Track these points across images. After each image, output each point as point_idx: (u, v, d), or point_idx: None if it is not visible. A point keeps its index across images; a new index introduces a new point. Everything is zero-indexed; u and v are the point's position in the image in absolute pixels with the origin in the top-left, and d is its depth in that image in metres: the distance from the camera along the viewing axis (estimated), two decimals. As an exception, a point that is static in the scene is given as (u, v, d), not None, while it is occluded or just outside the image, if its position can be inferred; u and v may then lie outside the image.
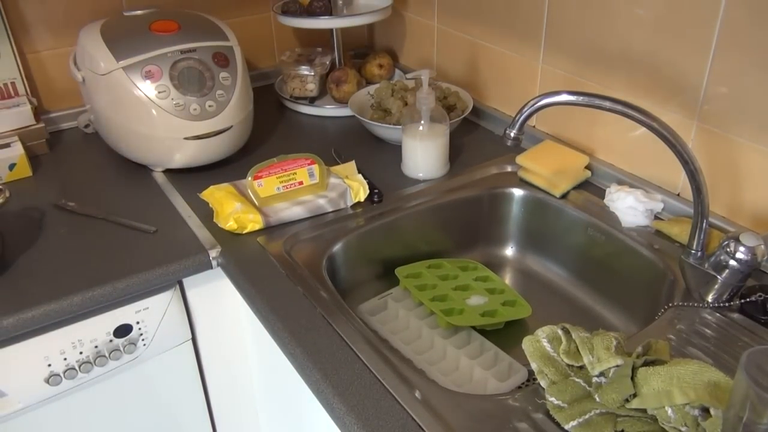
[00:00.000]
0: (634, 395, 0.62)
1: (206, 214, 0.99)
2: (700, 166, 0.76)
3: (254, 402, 1.14)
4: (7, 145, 1.12)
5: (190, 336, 1.00)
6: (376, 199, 1.03)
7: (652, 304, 0.88)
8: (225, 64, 1.08)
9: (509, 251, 1.11)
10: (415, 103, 1.05)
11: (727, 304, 0.78)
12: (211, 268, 0.93)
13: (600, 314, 0.98)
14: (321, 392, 0.70)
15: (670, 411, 0.60)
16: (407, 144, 1.08)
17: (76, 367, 0.90)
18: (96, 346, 0.90)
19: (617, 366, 0.64)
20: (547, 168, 1.03)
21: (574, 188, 1.05)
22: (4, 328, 0.81)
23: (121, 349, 0.93)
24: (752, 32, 0.81)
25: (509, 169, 1.11)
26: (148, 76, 1.02)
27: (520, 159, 1.07)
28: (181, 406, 1.05)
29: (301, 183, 1.00)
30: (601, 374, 0.65)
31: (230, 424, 1.14)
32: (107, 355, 0.92)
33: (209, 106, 1.05)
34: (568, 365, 0.68)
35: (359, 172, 1.08)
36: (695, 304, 0.79)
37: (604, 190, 1.02)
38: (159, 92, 1.02)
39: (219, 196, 0.98)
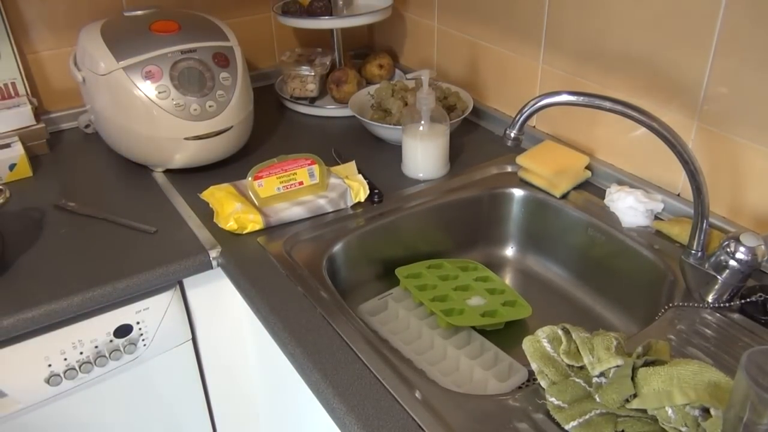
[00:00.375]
0: (635, 395, 0.62)
1: (206, 214, 0.99)
2: (700, 167, 0.76)
3: (254, 402, 1.14)
4: (8, 146, 1.12)
5: (190, 336, 1.00)
6: (376, 200, 1.03)
7: (653, 304, 0.88)
8: (225, 64, 1.08)
9: (509, 251, 1.11)
10: (415, 104, 1.05)
11: (727, 305, 0.78)
12: (212, 268, 0.93)
13: (600, 314, 0.98)
14: (321, 392, 0.70)
15: (670, 411, 0.60)
16: (407, 144, 1.08)
17: (77, 368, 0.90)
18: (96, 347, 0.90)
19: (617, 366, 0.64)
20: (547, 168, 1.03)
21: (575, 188, 1.05)
22: (4, 328, 0.81)
23: (122, 349, 0.93)
24: (752, 32, 0.81)
25: (509, 169, 1.11)
26: (149, 76, 1.02)
27: (521, 159, 1.07)
28: (181, 407, 1.05)
29: (301, 183, 1.00)
30: (602, 374, 0.65)
31: (230, 424, 1.14)
32: (107, 355, 0.92)
33: (209, 106, 1.05)
34: (569, 365, 0.68)
35: (359, 173, 1.08)
36: (695, 305, 0.79)
37: (605, 191, 1.02)
38: (159, 92, 1.02)
39: (219, 197, 0.98)
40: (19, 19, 1.20)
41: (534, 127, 1.20)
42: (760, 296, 0.77)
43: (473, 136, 1.25)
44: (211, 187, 1.01)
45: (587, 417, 0.63)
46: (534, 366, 0.69)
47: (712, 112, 0.89)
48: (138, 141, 1.07)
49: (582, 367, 0.67)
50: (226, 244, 0.93)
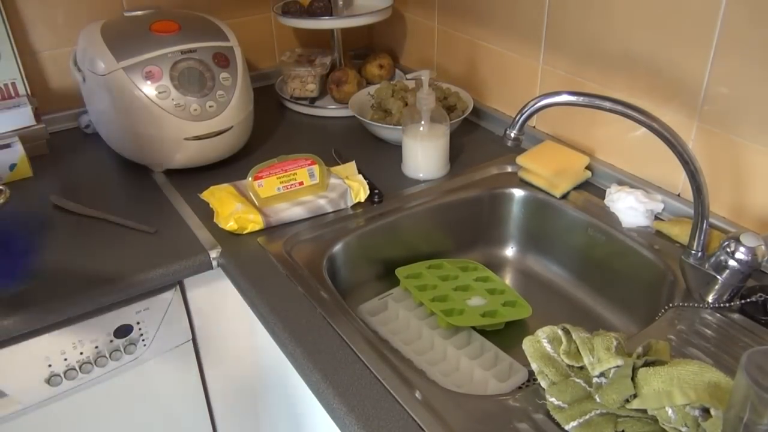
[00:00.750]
0: (635, 396, 0.62)
1: (206, 214, 0.99)
2: (701, 167, 0.76)
3: (254, 402, 1.14)
4: (8, 146, 1.12)
5: (190, 336, 1.00)
6: (376, 200, 1.03)
7: (653, 304, 0.88)
8: (225, 64, 1.08)
9: (509, 251, 1.11)
10: (415, 104, 1.05)
11: (727, 305, 0.78)
12: (212, 268, 0.93)
13: (600, 314, 0.98)
14: (321, 393, 0.70)
15: (670, 411, 0.60)
16: (407, 144, 1.08)
17: (77, 368, 0.90)
18: (96, 347, 0.90)
19: (617, 366, 0.64)
20: (547, 168, 1.03)
21: (575, 188, 1.05)
22: (4, 328, 0.81)
23: (122, 349, 0.93)
24: (753, 32, 0.81)
25: (509, 169, 1.11)
26: (149, 76, 1.02)
27: (521, 159, 1.07)
28: (181, 407, 1.05)
29: (301, 183, 1.00)
30: (602, 375, 0.65)
31: (230, 424, 1.14)
32: (107, 355, 0.92)
33: (209, 106, 1.05)
34: (569, 366, 0.68)
35: (359, 173, 1.08)
36: (695, 305, 0.79)
37: (605, 191, 1.02)
38: (159, 93, 1.02)
39: (219, 197, 0.98)
40: (19, 19, 1.20)
41: (534, 127, 1.20)
42: (761, 296, 0.77)
43: (473, 136, 1.25)
44: (211, 187, 1.01)
45: (587, 417, 0.63)
46: (534, 366, 0.69)
47: (712, 112, 0.89)
48: (138, 141, 1.07)
49: (582, 368, 0.67)
50: (226, 244, 0.93)
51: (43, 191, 1.08)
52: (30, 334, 0.85)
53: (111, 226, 0.98)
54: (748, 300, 0.77)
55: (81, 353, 0.89)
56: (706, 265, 0.78)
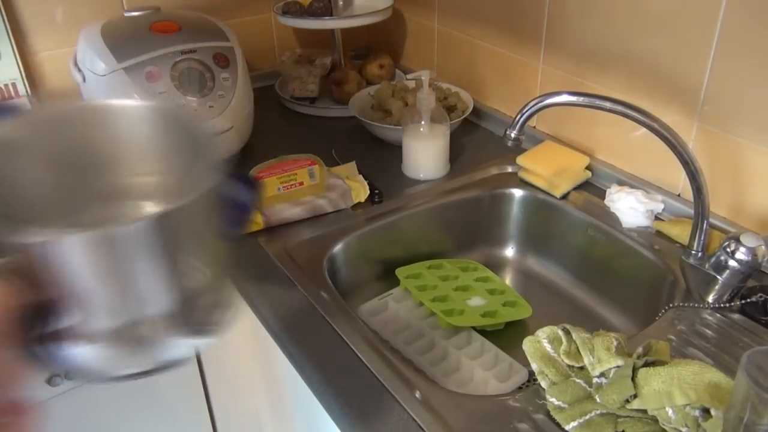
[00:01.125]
0: (635, 396, 0.62)
1: (207, 214, 0.99)
2: (701, 167, 0.76)
3: (255, 402, 1.14)
4: (8, 146, 1.12)
5: (190, 336, 1.00)
6: (376, 200, 1.03)
7: (653, 304, 0.88)
8: (225, 64, 1.08)
9: (510, 252, 1.11)
10: (415, 104, 1.05)
11: (727, 305, 0.78)
12: (212, 268, 0.93)
13: (600, 315, 0.98)
14: (321, 393, 0.70)
15: (670, 411, 0.60)
16: (408, 144, 1.08)
17: (77, 368, 0.90)
18: (96, 347, 0.90)
19: (618, 367, 0.64)
20: (547, 168, 1.03)
21: (575, 189, 1.05)
22: (4, 329, 0.81)
23: (122, 349, 0.93)
24: (753, 32, 0.81)
25: (510, 169, 1.11)
26: (149, 76, 1.02)
27: (521, 159, 1.07)
28: (181, 406, 1.05)
29: (301, 183, 1.00)
30: (602, 375, 0.65)
31: (230, 424, 1.14)
32: (108, 355, 0.92)
33: (209, 106, 1.05)
34: (569, 366, 0.68)
35: (360, 173, 1.08)
36: (696, 305, 0.79)
37: (605, 191, 1.02)
38: (159, 93, 1.02)
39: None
40: (19, 19, 1.20)
41: (534, 127, 1.20)
42: (761, 296, 0.77)
43: (473, 136, 1.25)
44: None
45: (587, 417, 0.63)
46: (534, 366, 0.69)
47: (712, 113, 0.89)
48: (138, 141, 1.07)
49: (582, 368, 0.67)
50: (227, 244, 0.93)
51: (43, 191, 1.08)
52: (30, 334, 0.85)
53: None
54: (749, 300, 0.77)
55: (81, 353, 0.89)
56: (707, 266, 0.78)
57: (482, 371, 0.81)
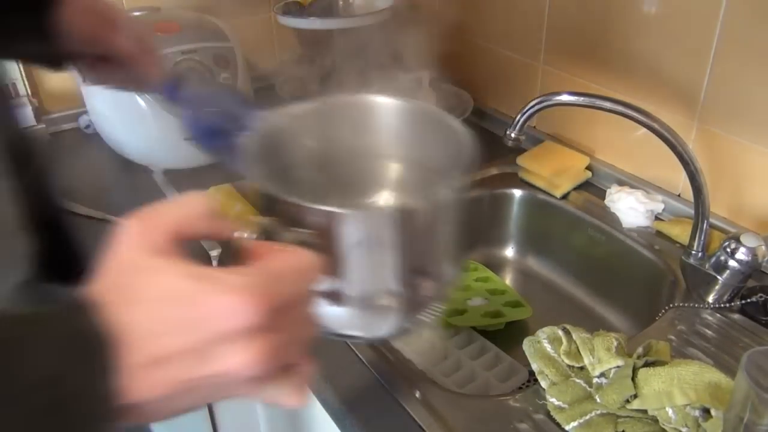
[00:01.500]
0: (635, 396, 0.62)
1: (207, 214, 0.99)
2: (701, 167, 0.76)
3: (254, 402, 1.14)
4: (8, 146, 1.12)
5: (190, 336, 1.00)
6: (376, 200, 1.03)
7: (653, 304, 0.88)
8: (225, 65, 1.08)
9: (510, 252, 1.11)
10: (415, 104, 1.05)
11: (727, 305, 0.78)
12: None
13: (600, 315, 0.97)
14: (321, 393, 0.70)
15: (670, 412, 0.60)
16: (408, 144, 1.08)
17: (77, 368, 0.90)
18: (96, 347, 0.90)
19: (618, 367, 0.64)
20: (547, 169, 1.03)
21: (575, 189, 1.04)
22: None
23: (122, 349, 0.92)
24: (753, 32, 0.81)
25: (509, 169, 1.11)
26: (149, 76, 1.02)
27: (521, 160, 1.06)
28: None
29: (301, 183, 1.00)
30: (602, 375, 0.65)
31: (230, 423, 1.14)
32: (108, 355, 0.91)
33: (210, 106, 1.05)
34: (569, 366, 0.68)
35: (360, 173, 1.08)
36: (696, 305, 0.79)
37: (605, 191, 1.02)
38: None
39: (219, 197, 0.98)
40: (19, 20, 1.20)
41: (534, 127, 1.20)
42: (761, 297, 0.77)
43: (473, 136, 1.25)
44: (212, 188, 1.01)
45: (588, 417, 0.63)
46: (534, 366, 0.69)
47: (712, 113, 0.89)
48: (138, 141, 1.07)
49: (582, 368, 0.67)
50: (226, 244, 0.93)
51: (43, 191, 1.08)
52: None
53: (111, 226, 0.98)
54: (749, 300, 0.77)
55: (81, 353, 0.89)
56: (707, 266, 0.78)
57: (482, 371, 0.81)
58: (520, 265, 1.10)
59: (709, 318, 0.77)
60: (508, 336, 0.91)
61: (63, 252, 0.61)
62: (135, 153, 1.11)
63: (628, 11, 0.95)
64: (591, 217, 0.98)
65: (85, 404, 0.29)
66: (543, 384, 0.67)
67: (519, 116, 0.81)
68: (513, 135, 0.82)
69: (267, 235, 0.38)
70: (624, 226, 0.95)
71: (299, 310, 0.34)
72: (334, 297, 0.43)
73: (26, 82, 1.22)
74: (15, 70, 1.20)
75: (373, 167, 0.55)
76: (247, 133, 0.50)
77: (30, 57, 0.69)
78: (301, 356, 0.36)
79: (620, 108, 0.76)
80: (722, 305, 0.78)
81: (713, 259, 0.78)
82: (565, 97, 0.79)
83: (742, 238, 0.75)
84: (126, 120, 1.05)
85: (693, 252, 0.80)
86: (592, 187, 1.06)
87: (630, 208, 0.94)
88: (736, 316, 0.77)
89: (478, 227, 1.09)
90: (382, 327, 0.46)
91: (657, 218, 0.96)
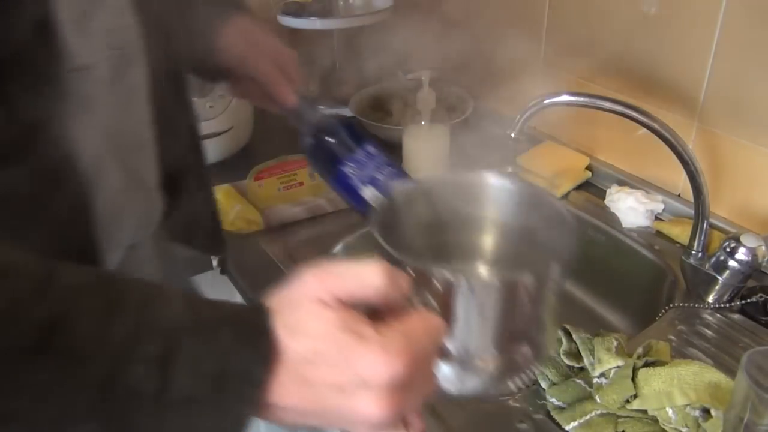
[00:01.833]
0: (635, 396, 0.62)
1: (207, 214, 0.99)
2: (701, 167, 0.76)
3: None
4: (8, 146, 1.12)
5: (190, 337, 1.00)
6: (376, 200, 1.03)
7: (653, 304, 0.88)
8: (225, 64, 1.08)
9: (510, 252, 1.11)
10: (415, 104, 1.05)
11: (727, 305, 0.78)
12: (212, 268, 0.93)
13: (600, 315, 0.97)
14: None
15: (670, 412, 0.60)
16: (408, 144, 1.08)
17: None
18: (96, 347, 0.90)
19: (618, 367, 0.64)
20: (547, 169, 1.03)
21: (575, 189, 1.04)
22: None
23: (122, 349, 0.93)
24: (753, 32, 0.81)
25: (510, 169, 1.11)
26: (149, 76, 1.02)
27: (521, 159, 1.07)
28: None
29: (301, 184, 1.00)
30: (602, 375, 0.65)
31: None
32: (108, 355, 0.92)
33: (209, 106, 1.05)
34: (569, 366, 0.68)
35: (360, 173, 1.08)
36: (696, 305, 0.79)
37: (605, 191, 1.02)
38: (159, 93, 1.02)
39: (219, 197, 0.98)
40: (19, 20, 1.20)
41: (534, 127, 1.20)
42: (761, 297, 0.77)
43: (473, 136, 1.25)
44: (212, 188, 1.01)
45: (587, 417, 0.63)
46: (534, 367, 0.69)
47: (712, 113, 0.89)
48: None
49: (582, 368, 0.67)
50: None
51: (43, 192, 1.08)
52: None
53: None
54: (749, 300, 0.77)
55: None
56: (707, 266, 0.78)
57: (482, 371, 0.81)
58: (520, 265, 1.10)
59: (709, 318, 0.77)
60: (508, 336, 0.91)
61: (188, 215, 0.68)
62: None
63: (628, 11, 0.95)
64: (591, 217, 0.98)
65: (241, 383, 0.34)
66: (543, 384, 0.67)
67: (519, 116, 0.81)
68: (513, 135, 0.82)
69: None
70: (624, 226, 0.95)
71: (427, 368, 0.39)
72: (440, 354, 0.46)
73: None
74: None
75: (477, 239, 0.59)
76: (381, 198, 0.59)
77: (196, 70, 0.74)
78: (417, 410, 0.40)
79: (620, 108, 0.76)
80: (722, 305, 0.78)
81: (713, 259, 0.78)
82: (565, 97, 0.79)
83: (742, 238, 0.75)
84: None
85: (693, 252, 0.80)
86: (592, 187, 1.06)
87: (630, 208, 0.94)
88: (736, 316, 0.77)
89: (478, 227, 1.09)
90: (473, 385, 0.50)
91: (657, 218, 0.96)
